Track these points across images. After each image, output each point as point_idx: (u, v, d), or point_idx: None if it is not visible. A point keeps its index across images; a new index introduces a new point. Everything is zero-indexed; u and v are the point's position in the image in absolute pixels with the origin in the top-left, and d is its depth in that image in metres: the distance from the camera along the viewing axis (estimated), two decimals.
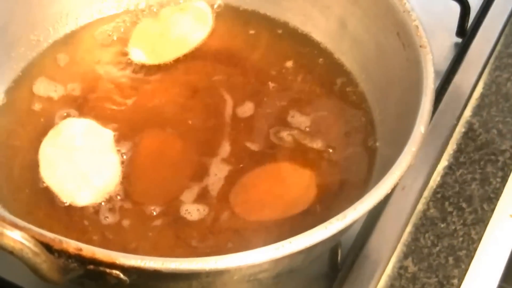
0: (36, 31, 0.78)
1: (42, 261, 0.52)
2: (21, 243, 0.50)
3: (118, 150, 0.70)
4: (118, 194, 0.68)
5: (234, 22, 0.82)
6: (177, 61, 0.79)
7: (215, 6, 0.83)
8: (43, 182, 0.68)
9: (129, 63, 0.79)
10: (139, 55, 0.79)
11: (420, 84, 0.64)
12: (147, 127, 0.73)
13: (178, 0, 0.84)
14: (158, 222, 0.66)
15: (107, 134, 0.71)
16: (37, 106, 0.75)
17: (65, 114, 0.74)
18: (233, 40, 0.81)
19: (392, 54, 0.71)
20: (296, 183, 0.69)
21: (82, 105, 0.75)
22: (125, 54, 0.79)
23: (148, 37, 0.81)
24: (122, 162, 0.70)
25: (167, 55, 0.79)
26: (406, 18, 0.69)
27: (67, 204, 0.67)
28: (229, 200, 0.67)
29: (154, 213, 0.66)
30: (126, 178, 0.69)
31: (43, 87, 0.76)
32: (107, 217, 0.66)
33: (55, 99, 0.75)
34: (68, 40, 0.80)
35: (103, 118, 0.73)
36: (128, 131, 0.72)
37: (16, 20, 0.75)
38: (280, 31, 0.81)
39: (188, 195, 0.68)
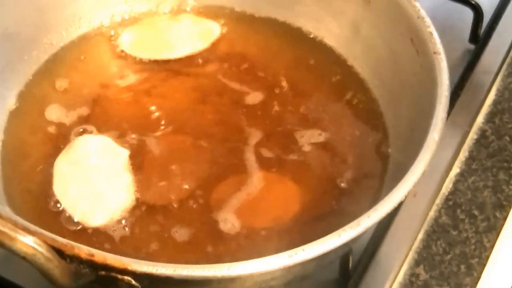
0: (49, 35, 0.78)
1: (54, 266, 0.52)
2: (34, 248, 0.50)
3: (133, 165, 0.69)
4: (131, 215, 0.66)
5: (249, 29, 0.82)
6: (190, 65, 0.79)
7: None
8: (55, 198, 0.67)
9: (141, 67, 0.79)
10: (125, 42, 0.79)
11: (434, 90, 0.64)
12: (159, 137, 0.72)
13: (192, 10, 0.83)
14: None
15: (123, 153, 0.70)
16: (48, 116, 0.74)
17: (82, 130, 0.72)
18: (247, 46, 0.81)
19: (405, 60, 0.71)
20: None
21: (96, 118, 0.74)
22: (136, 59, 0.79)
23: (144, 30, 0.81)
24: (135, 179, 0.68)
25: (148, 53, 0.79)
26: (420, 24, 0.68)
27: (78, 224, 0.65)
28: (245, 208, 0.67)
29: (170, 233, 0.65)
30: (142, 197, 0.67)
31: (55, 110, 0.74)
32: (117, 237, 0.65)
33: (67, 113, 0.74)
34: (81, 43, 0.80)
35: (118, 129, 0.72)
36: (143, 142, 0.71)
37: (29, 24, 0.75)
38: (293, 37, 0.80)
39: (212, 207, 0.67)
